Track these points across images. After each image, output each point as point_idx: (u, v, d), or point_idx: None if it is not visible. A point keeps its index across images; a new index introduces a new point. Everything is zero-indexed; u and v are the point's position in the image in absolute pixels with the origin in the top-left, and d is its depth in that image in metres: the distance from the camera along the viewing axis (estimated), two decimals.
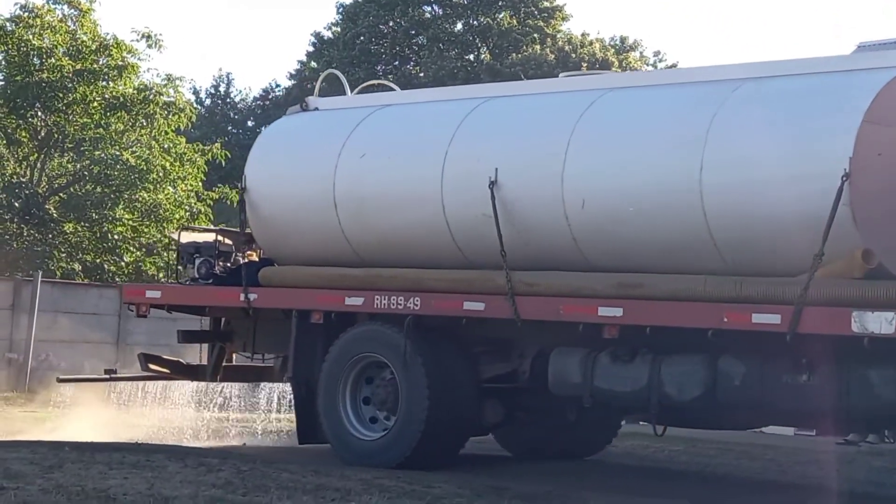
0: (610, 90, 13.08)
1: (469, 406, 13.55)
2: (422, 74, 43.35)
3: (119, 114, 32.76)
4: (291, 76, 48.06)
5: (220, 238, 15.25)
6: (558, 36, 43.68)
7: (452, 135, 13.44)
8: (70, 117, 32.34)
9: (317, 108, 15.18)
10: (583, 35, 44.32)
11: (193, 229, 15.88)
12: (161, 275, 32.09)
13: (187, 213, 32.89)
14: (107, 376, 16.09)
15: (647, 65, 45.06)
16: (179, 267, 15.36)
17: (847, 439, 17.99)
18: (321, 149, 14.39)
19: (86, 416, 18.35)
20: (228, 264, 14.96)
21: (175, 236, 15.54)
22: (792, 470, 15.13)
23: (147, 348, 28.45)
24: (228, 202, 34.05)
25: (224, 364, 15.44)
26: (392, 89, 15.69)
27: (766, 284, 11.42)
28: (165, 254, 32.70)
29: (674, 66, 40.13)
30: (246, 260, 14.89)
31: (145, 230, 32.75)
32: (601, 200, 12.42)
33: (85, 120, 32.52)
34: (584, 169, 12.54)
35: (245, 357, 15.35)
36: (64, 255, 31.74)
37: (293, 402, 14.59)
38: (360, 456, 13.51)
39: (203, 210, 33.17)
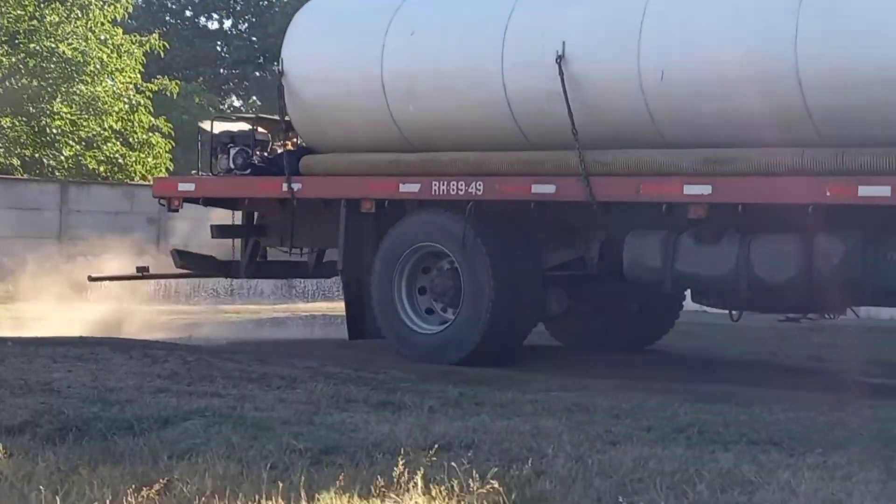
0: None
1: (534, 296, 12.89)
2: None
3: (53, 5, 31.65)
4: None
5: (255, 127, 14.27)
6: None
7: (512, 6, 12.60)
8: (3, 9, 30.99)
9: None
10: None
11: (226, 118, 14.84)
12: (102, 168, 31.35)
13: (126, 106, 32.19)
14: (139, 274, 15.18)
15: None
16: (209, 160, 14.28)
17: (788, 316, 17.56)
18: (366, 27, 13.46)
19: (36, 311, 18.12)
20: (266, 154, 14.04)
21: (206, 127, 14.52)
22: (735, 347, 14.96)
23: (93, 243, 27.92)
24: (168, 93, 33.23)
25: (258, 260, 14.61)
26: None
27: (870, 155, 10.85)
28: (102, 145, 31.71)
29: None
30: (285, 149, 13.92)
31: (84, 123, 31.94)
32: (682, 72, 11.68)
33: (18, 12, 31.34)
34: (662, 38, 11.79)
35: (283, 252, 14.47)
36: (1, 149, 30.69)
37: (343, 296, 13.81)
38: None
39: (142, 102, 32.50)
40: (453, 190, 12.66)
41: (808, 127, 11.20)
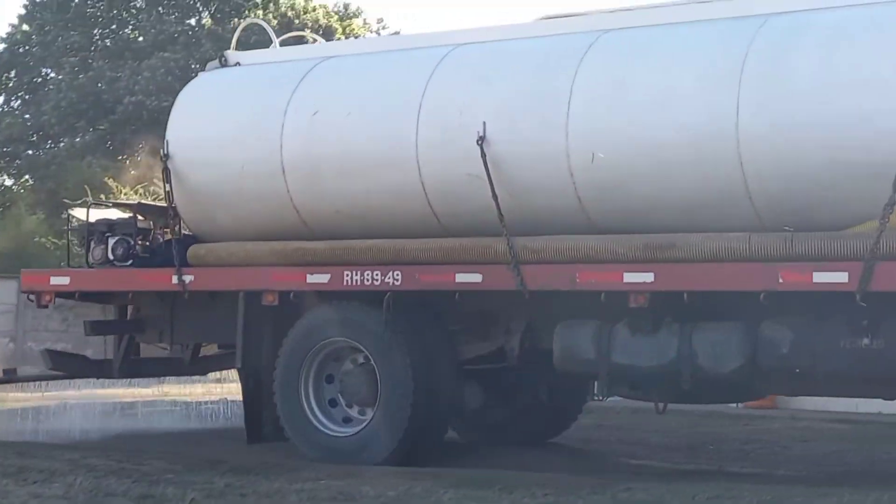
0: (605, 32, 11.70)
1: (452, 391, 12.11)
2: (140, 39, 40.67)
3: None
4: (2, 40, 44.45)
5: (135, 214, 13.10)
6: (281, 2, 41.66)
7: (425, 85, 11.84)
8: None
9: (238, 63, 13.26)
10: (306, 1, 42.46)
11: (102, 205, 13.63)
12: None
13: None
14: (6, 378, 13.82)
15: (371, 31, 43.43)
16: (78, 248, 13.09)
17: None
18: (262, 106, 12.50)
19: None
20: (148, 243, 12.87)
21: (79, 214, 13.31)
22: None
23: None
24: None
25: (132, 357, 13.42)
26: (315, 41, 13.88)
27: (822, 239, 10.36)
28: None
29: (396, 34, 38.54)
30: (172, 238, 12.78)
31: None
32: (614, 153, 11.07)
33: None
34: (592, 118, 11.16)
35: (162, 349, 13.32)
36: None
37: (242, 396, 12.74)
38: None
39: None
40: (368, 280, 11.78)
41: (748, 211, 10.74)
